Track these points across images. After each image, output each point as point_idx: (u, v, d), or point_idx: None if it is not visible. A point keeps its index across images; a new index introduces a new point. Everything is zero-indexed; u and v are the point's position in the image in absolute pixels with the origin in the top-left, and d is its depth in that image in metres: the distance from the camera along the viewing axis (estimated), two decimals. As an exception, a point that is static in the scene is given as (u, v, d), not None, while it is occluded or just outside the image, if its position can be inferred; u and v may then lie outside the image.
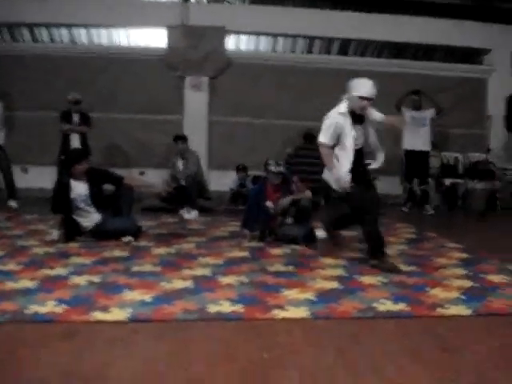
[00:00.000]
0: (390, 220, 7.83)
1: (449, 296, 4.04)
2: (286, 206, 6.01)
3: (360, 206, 4.89)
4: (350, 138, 4.85)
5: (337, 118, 4.89)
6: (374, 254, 4.88)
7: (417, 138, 8.98)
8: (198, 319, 3.47)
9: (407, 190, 9.47)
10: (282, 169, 5.99)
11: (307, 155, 8.67)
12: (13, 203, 8.14)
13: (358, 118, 4.90)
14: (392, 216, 8.24)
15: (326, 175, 5.06)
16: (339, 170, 4.88)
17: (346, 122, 4.86)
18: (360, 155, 4.96)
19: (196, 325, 3.39)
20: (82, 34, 10.19)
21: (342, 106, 4.91)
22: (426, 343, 3.19)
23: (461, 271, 4.85)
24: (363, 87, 4.81)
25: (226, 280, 4.36)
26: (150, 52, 9.99)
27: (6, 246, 5.43)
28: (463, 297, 4.05)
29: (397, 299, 3.90)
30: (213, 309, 3.63)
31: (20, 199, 8.33)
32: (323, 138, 4.96)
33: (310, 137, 9.06)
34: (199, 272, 4.62)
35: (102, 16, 9.60)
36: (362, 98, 4.78)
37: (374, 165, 5.04)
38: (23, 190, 8.83)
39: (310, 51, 10.73)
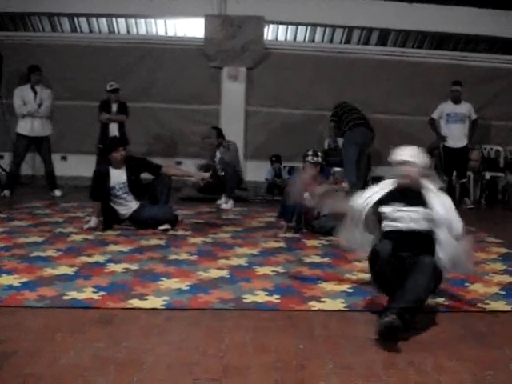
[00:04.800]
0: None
1: (488, 291, 3.97)
2: (321, 193, 5.94)
3: None
4: None
5: None
6: None
7: (454, 136, 8.80)
8: (233, 309, 3.47)
9: (446, 183, 9.31)
10: (319, 159, 5.94)
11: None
12: (57, 192, 8.28)
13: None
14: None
15: None
16: None
17: None
18: None
19: (232, 314, 3.39)
20: (120, 24, 10.26)
21: None
22: (464, 338, 3.13)
23: (500, 266, 4.77)
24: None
25: (262, 270, 4.36)
26: (188, 42, 10.00)
27: (45, 233, 5.52)
28: (503, 292, 3.97)
29: (436, 293, 3.83)
30: (249, 299, 3.63)
31: (60, 187, 8.45)
32: None
33: None
34: (235, 262, 4.63)
35: (140, 6, 9.64)
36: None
37: None
38: (62, 177, 8.96)
39: (348, 41, 10.61)
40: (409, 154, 3.58)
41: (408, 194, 3.56)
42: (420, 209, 3.49)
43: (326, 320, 3.35)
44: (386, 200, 3.60)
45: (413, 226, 3.48)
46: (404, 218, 3.49)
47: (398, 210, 3.52)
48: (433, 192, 3.57)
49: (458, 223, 3.52)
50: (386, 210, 3.56)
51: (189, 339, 3.00)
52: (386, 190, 3.64)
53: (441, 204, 3.51)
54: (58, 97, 8.88)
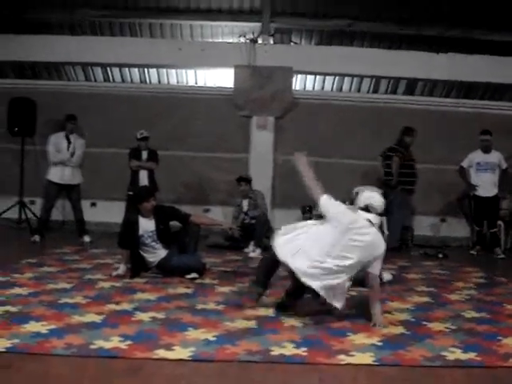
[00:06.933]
0: (458, 263, 7.62)
1: (522, 346, 3.86)
2: None
3: None
4: None
5: None
6: None
7: (484, 185, 8.73)
8: (260, 361, 3.42)
9: (475, 232, 9.19)
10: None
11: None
12: (87, 238, 8.37)
13: None
14: (460, 259, 8.02)
15: None
16: None
17: None
18: None
19: (259, 367, 3.34)
20: (152, 74, 10.51)
21: None
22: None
23: (534, 320, 4.64)
24: None
25: (289, 321, 4.30)
26: (218, 92, 10.17)
27: (73, 279, 5.55)
28: (537, 347, 3.86)
29: (467, 348, 3.74)
30: (276, 351, 3.57)
31: (89, 233, 8.54)
32: None
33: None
34: (262, 312, 4.58)
35: (171, 56, 9.87)
36: None
37: None
38: (91, 223, 9.07)
39: (375, 91, 10.70)
40: None
41: None
42: None
43: (354, 374, 3.28)
44: None
45: None
46: None
47: None
48: None
49: None
50: None
51: (215, 392, 2.97)
52: None
53: None
54: (89, 144, 9.06)
